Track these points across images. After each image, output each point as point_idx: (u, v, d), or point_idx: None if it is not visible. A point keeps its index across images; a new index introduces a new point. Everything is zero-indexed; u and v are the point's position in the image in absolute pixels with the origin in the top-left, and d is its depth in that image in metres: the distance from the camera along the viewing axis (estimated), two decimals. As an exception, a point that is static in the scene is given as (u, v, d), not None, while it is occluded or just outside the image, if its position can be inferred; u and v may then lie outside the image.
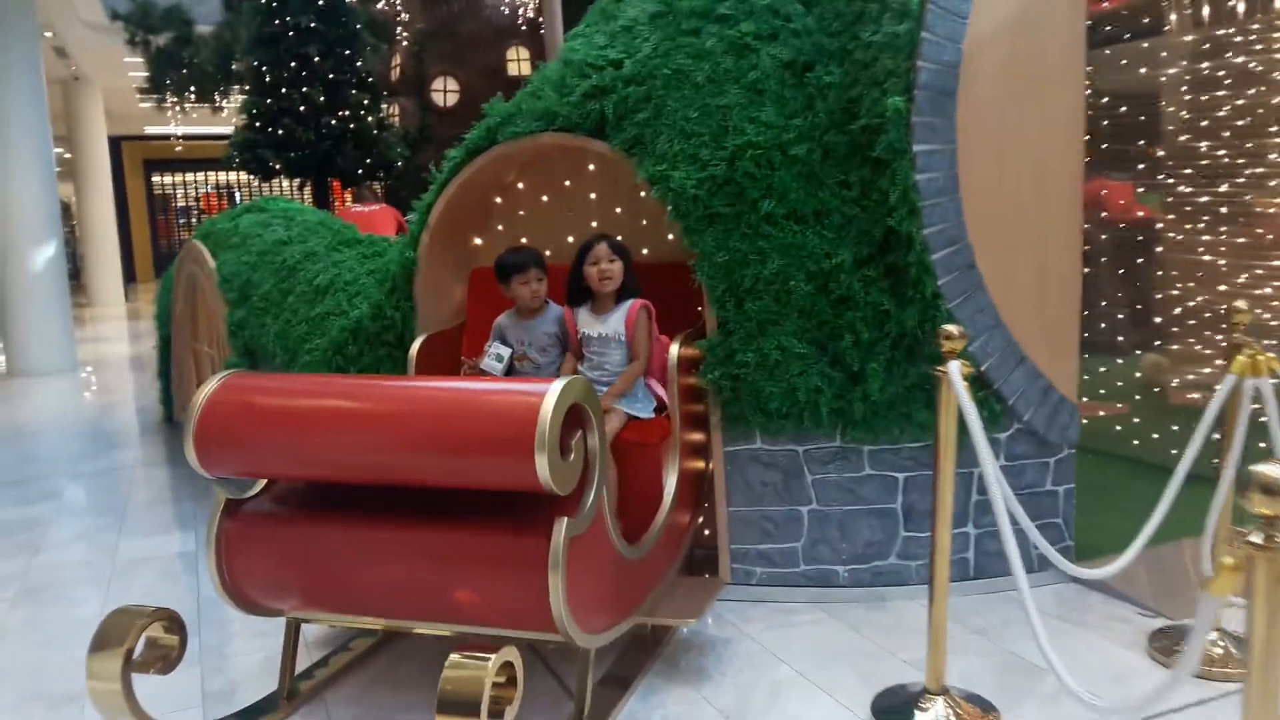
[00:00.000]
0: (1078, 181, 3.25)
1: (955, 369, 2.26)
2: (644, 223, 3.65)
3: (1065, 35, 3.14)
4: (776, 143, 3.08)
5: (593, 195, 3.72)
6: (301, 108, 7.99)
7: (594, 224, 3.74)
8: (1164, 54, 4.31)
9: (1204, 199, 4.36)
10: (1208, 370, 4.48)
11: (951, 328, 2.27)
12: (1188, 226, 4.47)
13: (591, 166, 3.70)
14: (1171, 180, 4.46)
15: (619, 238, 3.22)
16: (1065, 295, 3.30)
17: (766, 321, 3.10)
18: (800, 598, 3.24)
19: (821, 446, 3.20)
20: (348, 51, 8.22)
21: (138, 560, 3.93)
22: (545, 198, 3.80)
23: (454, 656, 1.91)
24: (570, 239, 3.77)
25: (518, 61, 11.14)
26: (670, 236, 3.62)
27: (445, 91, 10.79)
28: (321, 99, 7.98)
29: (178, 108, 11.27)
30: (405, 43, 10.63)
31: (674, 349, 3.11)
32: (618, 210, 3.69)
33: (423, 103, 10.50)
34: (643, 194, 3.60)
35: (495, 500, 2.32)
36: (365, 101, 8.31)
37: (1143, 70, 4.49)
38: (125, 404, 7.75)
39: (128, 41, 10.41)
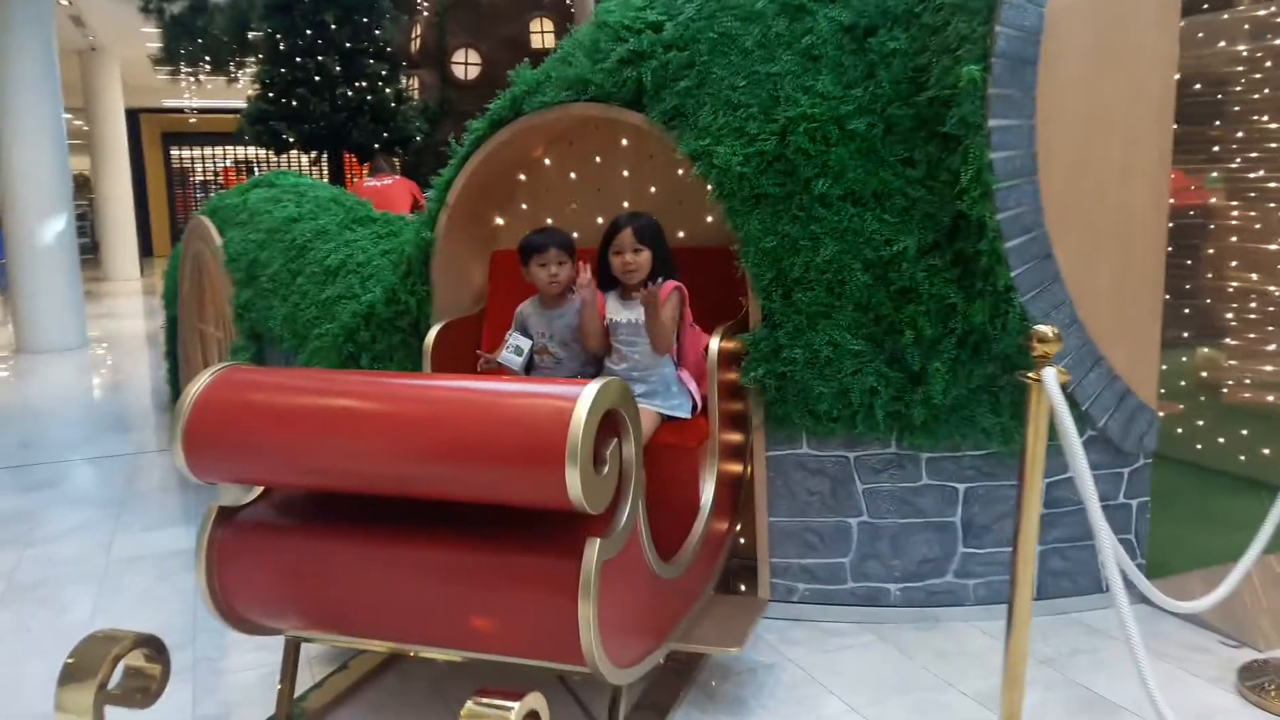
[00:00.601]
0: (1166, 165, 2.95)
1: (1051, 377, 1.97)
2: (680, 203, 3.37)
3: (1157, 2, 2.83)
4: (833, 115, 2.79)
5: (625, 172, 3.44)
6: (317, 78, 7.68)
7: (625, 204, 3.46)
8: (1235, 29, 3.97)
9: (1272, 184, 4.03)
10: (1270, 368, 4.17)
11: (1045, 329, 1.99)
12: (1254, 213, 4.14)
13: (625, 141, 3.41)
14: (1238, 164, 4.13)
15: (649, 216, 2.93)
16: (1147, 290, 3.00)
17: (817, 314, 2.82)
18: (847, 618, 2.98)
19: (875, 453, 2.92)
20: (366, 19, 7.90)
21: (133, 557, 3.71)
22: (574, 174, 3.52)
23: (471, 705, 1.66)
24: (600, 219, 3.49)
25: (542, 34, 10.82)
26: (710, 219, 3.34)
27: (466, 64, 10.49)
28: (337, 69, 7.66)
29: (192, 79, 11.02)
30: (425, 13, 10.34)
31: (714, 342, 2.83)
32: (652, 189, 3.41)
33: (443, 75, 10.20)
34: (680, 171, 3.33)
35: (518, 515, 2.06)
36: (384, 72, 7.98)
37: (1220, 44, 4.15)
38: (134, 384, 7.56)
39: (141, 9, 10.16)
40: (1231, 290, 4.25)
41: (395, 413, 2.01)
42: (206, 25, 9.87)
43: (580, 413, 1.85)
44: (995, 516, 2.96)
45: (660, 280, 2.81)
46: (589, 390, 1.90)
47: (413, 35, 10.61)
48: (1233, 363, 4.25)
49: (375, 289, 3.63)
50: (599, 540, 1.94)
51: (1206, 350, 4.41)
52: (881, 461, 2.93)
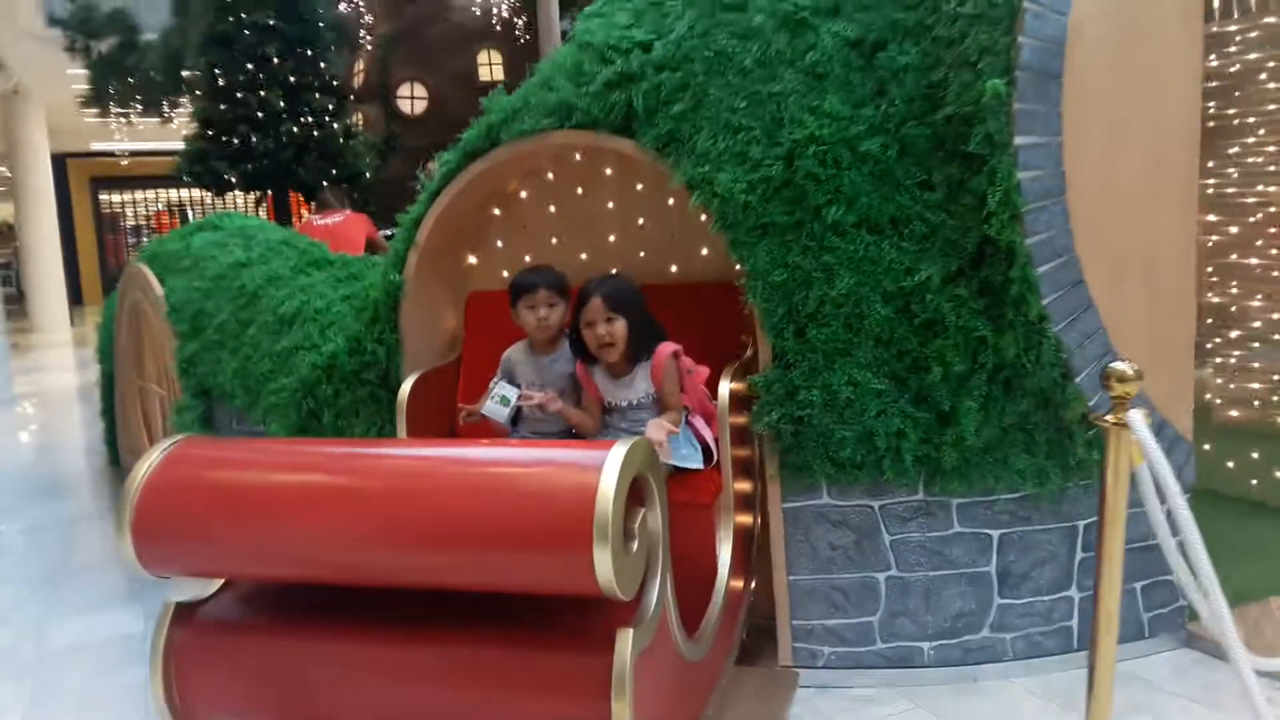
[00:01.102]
0: (1193, 182, 2.79)
1: (1138, 419, 1.76)
2: (671, 236, 3.15)
3: (1181, 8, 2.68)
4: (843, 137, 2.59)
5: (610, 204, 3.20)
6: (260, 114, 7.32)
7: (611, 238, 3.22)
8: (1241, 39, 3.88)
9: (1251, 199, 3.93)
10: (1258, 386, 4.04)
11: (1123, 366, 1.79)
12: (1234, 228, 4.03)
13: (609, 170, 3.18)
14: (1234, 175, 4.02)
15: (622, 279, 2.70)
16: (1179, 315, 2.83)
17: (835, 352, 2.60)
18: (877, 681, 2.73)
19: (901, 501, 2.69)
20: (310, 52, 7.57)
21: (70, 647, 3.33)
22: (553, 208, 3.28)
23: None
24: (584, 255, 3.25)
25: (490, 65, 10.61)
26: (705, 251, 3.11)
27: (413, 99, 10.24)
28: (282, 104, 7.32)
29: (123, 120, 10.56)
30: (369, 47, 10.06)
31: (724, 385, 2.60)
32: (640, 221, 3.18)
33: (389, 110, 9.93)
34: (671, 201, 3.10)
35: (529, 602, 1.79)
36: (330, 107, 7.66)
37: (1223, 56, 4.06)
38: (68, 443, 7.09)
39: (67, 49, 9.71)
40: (1214, 304, 4.12)
41: (385, 490, 1.73)
42: (137, 63, 9.46)
43: (608, 484, 1.59)
44: (1032, 564, 2.75)
45: (648, 352, 2.58)
46: (615, 456, 1.64)
47: (355, 70, 10.33)
48: (1219, 381, 4.12)
49: (337, 338, 3.34)
50: (630, 630, 1.67)
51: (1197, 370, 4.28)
52: (909, 510, 2.70)
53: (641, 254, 3.17)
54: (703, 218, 2.93)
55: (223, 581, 1.99)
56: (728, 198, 2.61)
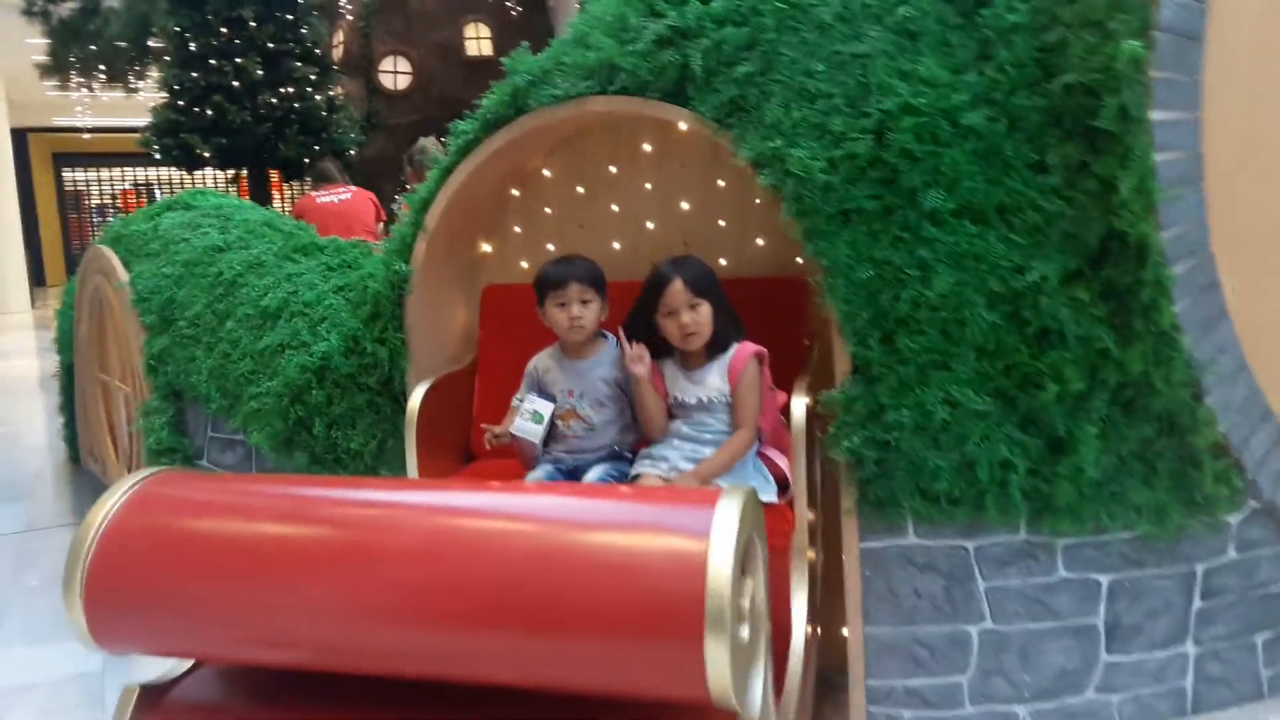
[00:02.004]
0: (1341, 166, 2.43)
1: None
2: (721, 222, 2.76)
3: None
4: (942, 107, 2.21)
5: (648, 185, 2.81)
6: (235, 83, 6.78)
7: (649, 224, 2.83)
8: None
9: None
10: None
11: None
12: None
13: (647, 146, 2.79)
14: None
15: (698, 260, 2.34)
16: (1318, 322, 2.47)
17: (930, 365, 2.22)
18: (966, 749, 2.37)
19: (1000, 541, 2.33)
20: (290, 16, 7.04)
21: (18, 687, 2.92)
22: (580, 189, 2.88)
23: None
24: (616, 245, 2.86)
25: (478, 40, 10.16)
26: (760, 242, 2.73)
27: (396, 73, 9.78)
28: (260, 73, 6.79)
29: (85, 90, 9.99)
30: (349, 17, 9.57)
31: (798, 403, 2.23)
32: (684, 205, 2.79)
33: (370, 85, 9.46)
34: (720, 183, 2.72)
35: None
36: (313, 77, 7.14)
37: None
38: (25, 438, 6.62)
39: (24, 12, 9.15)
40: None
41: (416, 551, 1.34)
42: (100, 29, 8.90)
43: (720, 556, 1.21)
44: (1145, 614, 2.40)
45: (732, 346, 2.23)
46: (726, 515, 1.26)
47: (335, 42, 9.83)
48: None
49: (330, 336, 2.93)
50: (736, 742, 1.29)
51: None
52: (1009, 552, 2.34)
53: (684, 243, 2.79)
54: (757, 201, 2.56)
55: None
56: (804, 178, 2.22)
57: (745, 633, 1.31)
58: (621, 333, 2.29)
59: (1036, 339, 2.21)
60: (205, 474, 1.81)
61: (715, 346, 2.29)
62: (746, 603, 1.33)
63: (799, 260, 2.69)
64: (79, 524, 1.48)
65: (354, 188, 5.61)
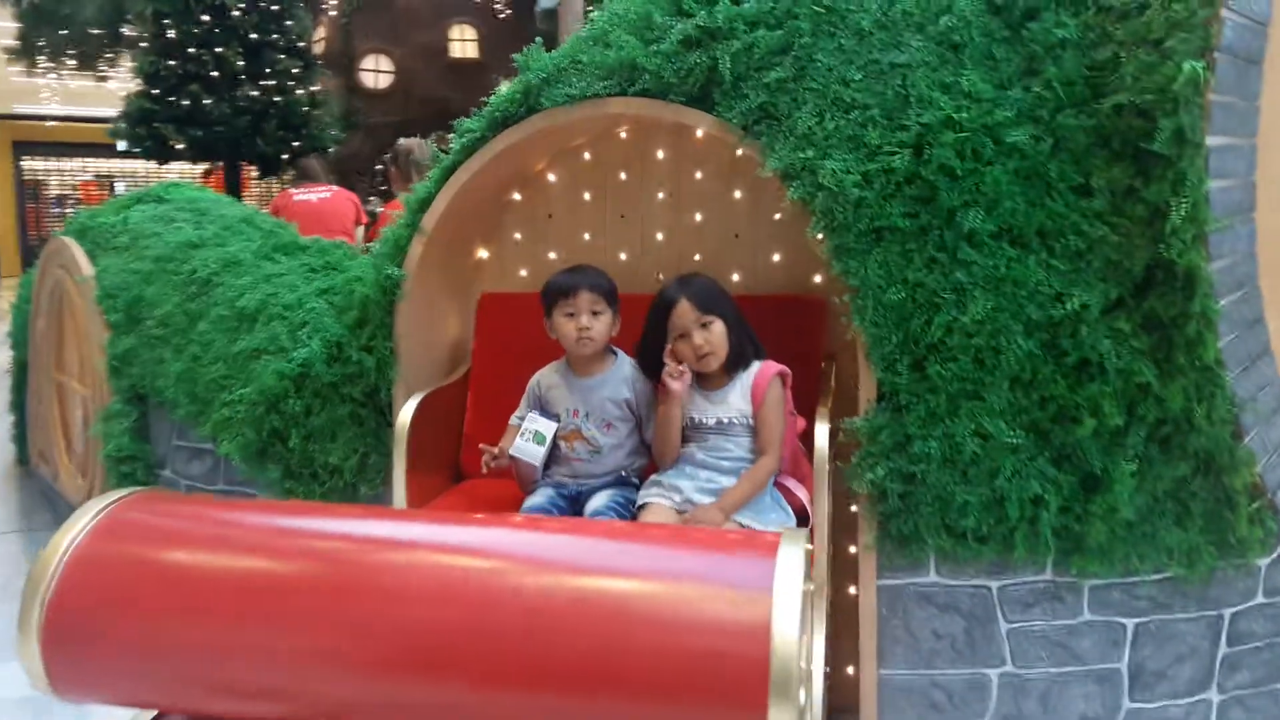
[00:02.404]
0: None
1: None
2: (736, 236, 2.63)
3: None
4: (985, 123, 2.09)
5: (661, 194, 2.67)
6: (214, 73, 6.52)
7: (659, 235, 2.69)
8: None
9: None
10: None
11: None
12: None
13: (661, 153, 2.65)
14: None
15: (703, 276, 2.21)
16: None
17: (961, 394, 2.10)
18: (983, 802, 2.24)
19: (1025, 582, 2.21)
20: (275, 7, 6.80)
21: (-42, 712, 2.70)
22: (588, 195, 2.74)
23: None
24: (623, 256, 2.71)
25: (463, 42, 9.98)
26: (776, 257, 2.60)
27: (377, 72, 9.58)
28: (240, 64, 6.55)
29: (53, 77, 9.65)
30: (331, 13, 9.35)
31: (822, 430, 2.09)
32: (697, 217, 2.65)
33: (350, 84, 9.25)
34: (737, 194, 2.58)
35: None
36: (295, 70, 6.89)
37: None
38: (-29, 437, 6.31)
39: (-9, -7, 8.83)
40: None
41: (432, 596, 1.18)
42: (73, 13, 8.59)
43: (786, 617, 1.06)
44: (1170, 660, 2.28)
45: (753, 364, 2.09)
46: (789, 569, 1.11)
47: (316, 36, 9.61)
48: None
49: (312, 342, 2.75)
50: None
51: None
52: (1033, 593, 2.21)
53: (697, 256, 2.65)
54: (776, 216, 2.43)
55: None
56: (836, 191, 2.09)
57: (803, 696, 1.16)
58: (668, 351, 2.13)
59: (1075, 370, 2.09)
60: (183, 496, 1.62)
61: (733, 364, 2.15)
62: (805, 664, 1.18)
63: (816, 279, 2.57)
64: (26, 530, 1.30)
65: (335, 187, 5.39)
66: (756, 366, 2.16)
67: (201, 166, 7.06)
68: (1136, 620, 2.26)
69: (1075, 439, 2.10)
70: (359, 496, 2.68)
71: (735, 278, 2.60)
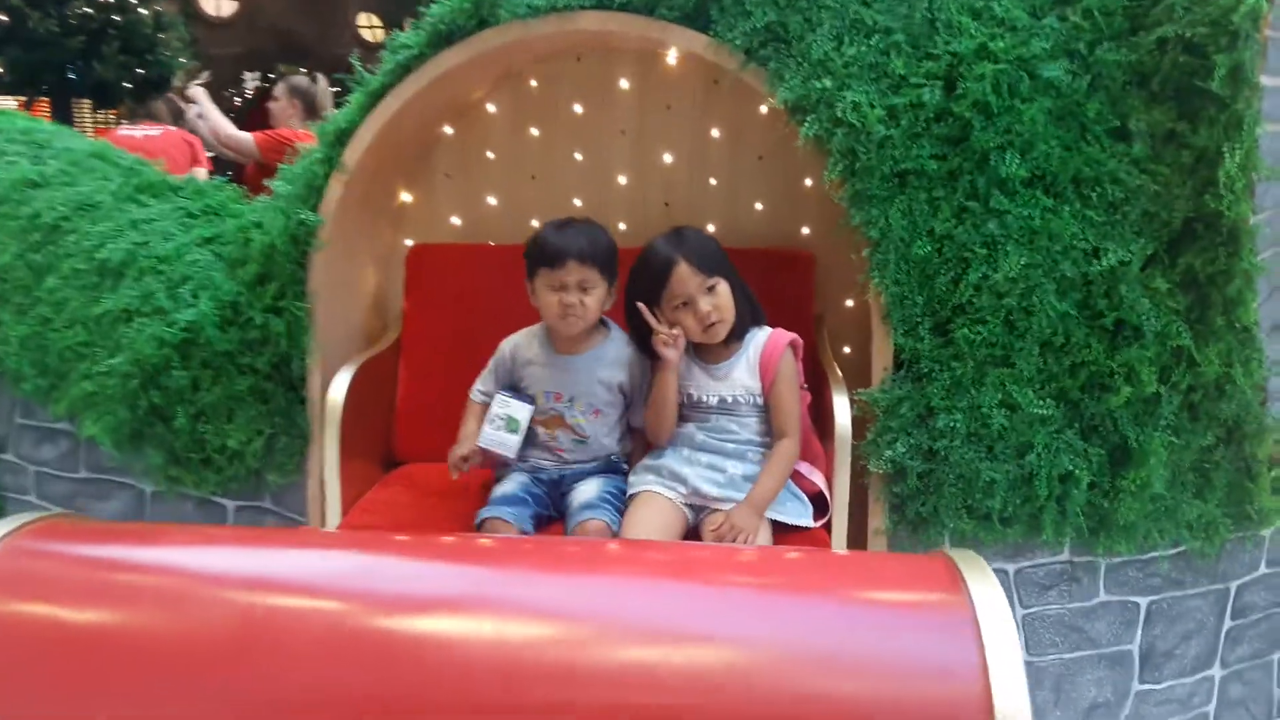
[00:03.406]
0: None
1: None
2: (712, 182, 2.32)
3: None
4: (1020, 55, 1.85)
5: (623, 131, 2.33)
6: (39, -15, 5.58)
7: (621, 179, 2.35)
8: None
9: None
10: None
11: None
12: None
13: (624, 82, 2.30)
14: None
15: (696, 230, 1.92)
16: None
17: (989, 360, 1.89)
18: (993, 801, 2.07)
19: (1043, 563, 2.04)
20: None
21: None
22: (535, 130, 2.37)
23: None
24: (578, 201, 2.37)
25: (317, -33, 9.15)
26: (759, 206, 2.32)
27: (219, -2, 8.70)
28: (72, -26, 5.62)
29: None
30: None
31: (841, 402, 1.84)
32: (666, 158, 2.33)
33: (187, 10, 8.32)
34: (715, 133, 2.28)
35: None
36: (137, -15, 6.01)
37: None
38: None
39: None
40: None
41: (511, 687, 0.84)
42: None
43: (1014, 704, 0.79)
44: (1179, 638, 2.17)
45: (754, 332, 1.81)
46: (996, 620, 0.84)
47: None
48: None
49: (200, 301, 2.29)
50: None
51: None
52: (1051, 575, 2.05)
53: (666, 204, 2.33)
54: (759, 157, 2.15)
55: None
56: (859, 128, 1.82)
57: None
58: (644, 309, 1.81)
59: (1110, 333, 1.91)
60: (94, 525, 1.21)
61: (734, 333, 1.86)
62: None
63: (804, 230, 2.30)
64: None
65: (170, 128, 4.73)
66: (762, 335, 1.87)
67: (23, 97, 6.11)
68: (1150, 599, 2.13)
69: (1107, 408, 1.92)
70: (266, 486, 2.26)
71: (710, 229, 2.30)
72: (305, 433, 2.18)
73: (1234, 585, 2.21)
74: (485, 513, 1.75)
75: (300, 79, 4.10)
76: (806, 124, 1.85)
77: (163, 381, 2.29)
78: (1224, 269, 1.88)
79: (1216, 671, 2.25)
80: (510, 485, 1.83)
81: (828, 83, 1.83)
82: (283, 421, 2.23)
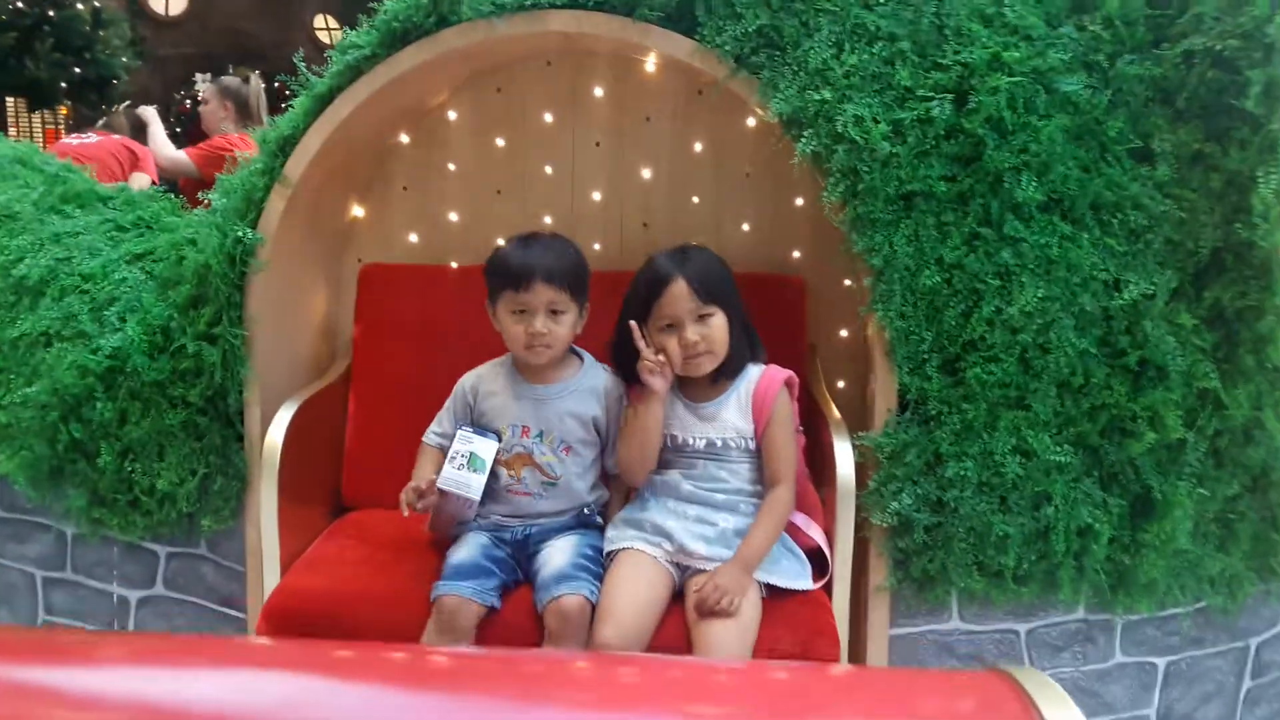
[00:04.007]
0: None
1: None
2: (694, 200, 2.15)
3: None
4: (1035, 67, 1.70)
5: (597, 142, 2.15)
6: (-36, -27, 5.26)
7: (595, 195, 2.17)
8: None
9: None
10: None
11: None
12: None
13: (599, 90, 2.13)
14: None
15: (706, 251, 1.73)
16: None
17: (1002, 402, 1.73)
18: None
19: (1057, 623, 1.88)
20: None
21: None
22: (500, 140, 2.18)
23: None
24: (548, 219, 2.19)
25: (273, -35, 8.88)
26: (745, 226, 2.15)
27: (169, -6, 8.41)
28: (3, -39, 5.32)
29: None
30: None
31: (844, 451, 1.67)
32: (644, 173, 2.15)
33: (134, 7, 8.03)
34: (698, 146, 2.12)
35: None
36: (76, -22, 5.68)
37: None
38: None
39: None
40: None
41: None
42: None
43: None
44: (1197, 700, 2.03)
45: (749, 370, 1.64)
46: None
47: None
48: None
49: (127, 326, 2.08)
50: None
51: None
52: (1064, 635, 1.89)
53: (644, 224, 2.16)
54: (746, 173, 1.98)
55: None
56: (863, 145, 1.65)
57: None
58: (636, 329, 1.63)
59: (1133, 373, 1.75)
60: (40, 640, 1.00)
61: (726, 370, 1.69)
62: None
63: (795, 254, 2.13)
64: None
65: (116, 136, 4.47)
66: (755, 372, 1.70)
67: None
68: (1169, 659, 1.98)
69: (1128, 455, 1.77)
70: (200, 532, 2.05)
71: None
72: (243, 474, 1.97)
73: (1254, 643, 2.06)
74: (442, 588, 1.55)
75: (230, 79, 3.85)
76: (804, 139, 1.68)
77: (85, 414, 2.08)
78: (1254, 304, 1.74)
79: (1235, 733, 2.11)
80: (468, 551, 1.63)
81: (827, 94, 1.66)
82: (218, 461, 2.01)
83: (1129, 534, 1.80)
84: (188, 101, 7.92)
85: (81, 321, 2.15)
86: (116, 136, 4.05)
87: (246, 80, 3.80)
